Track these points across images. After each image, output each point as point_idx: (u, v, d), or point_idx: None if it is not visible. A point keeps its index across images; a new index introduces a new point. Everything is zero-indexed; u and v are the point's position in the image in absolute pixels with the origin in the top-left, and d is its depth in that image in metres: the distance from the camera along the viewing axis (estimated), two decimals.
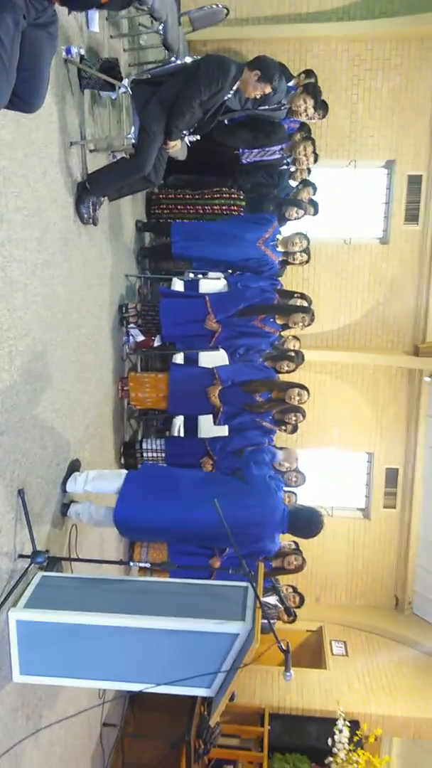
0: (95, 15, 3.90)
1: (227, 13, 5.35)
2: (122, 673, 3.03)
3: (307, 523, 3.72)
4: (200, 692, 3.04)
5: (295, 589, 5.28)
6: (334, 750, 6.55)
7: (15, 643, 2.95)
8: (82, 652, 2.98)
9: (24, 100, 2.15)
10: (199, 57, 3.90)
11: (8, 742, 3.00)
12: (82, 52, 3.78)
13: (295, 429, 5.07)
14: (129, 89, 3.73)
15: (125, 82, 3.78)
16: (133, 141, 3.78)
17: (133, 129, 3.76)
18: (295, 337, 6.18)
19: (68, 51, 3.59)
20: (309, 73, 5.90)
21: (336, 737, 6.59)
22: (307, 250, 5.44)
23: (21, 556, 3.06)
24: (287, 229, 5.73)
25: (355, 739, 6.59)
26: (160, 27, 4.49)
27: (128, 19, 4.82)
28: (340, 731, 6.61)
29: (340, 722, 6.67)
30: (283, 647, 2.80)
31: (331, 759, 6.55)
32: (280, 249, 5.38)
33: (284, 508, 3.68)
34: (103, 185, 3.89)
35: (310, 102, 5.16)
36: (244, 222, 5.44)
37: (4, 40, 1.85)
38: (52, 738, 3.71)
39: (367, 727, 6.96)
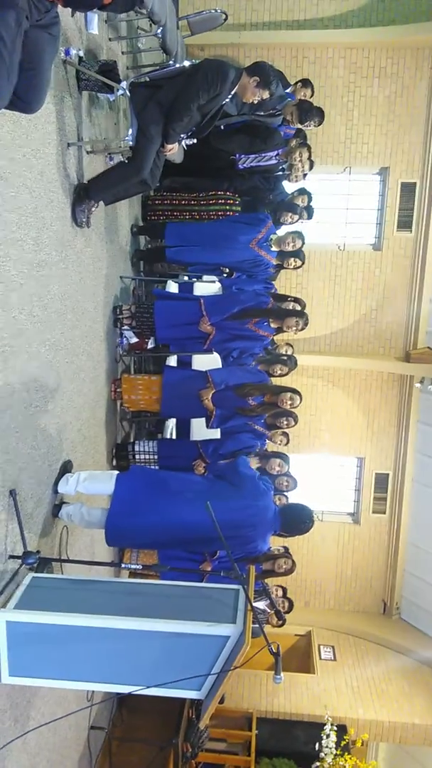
0: (95, 17, 3.91)
1: (225, 18, 5.38)
2: (112, 675, 3.02)
3: (299, 518, 3.74)
4: (190, 695, 3.03)
5: (284, 594, 5.28)
6: (321, 754, 6.55)
7: (4, 644, 2.93)
8: (72, 653, 2.96)
9: (24, 100, 2.15)
10: (197, 61, 3.92)
11: None
12: (81, 53, 3.79)
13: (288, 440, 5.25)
14: (127, 92, 3.74)
15: (123, 84, 3.79)
16: (131, 143, 3.79)
17: (130, 131, 3.77)
18: (289, 344, 6.20)
19: (67, 52, 3.60)
20: (305, 82, 5.93)
21: (323, 742, 6.59)
22: (301, 252, 5.46)
23: (12, 556, 3.04)
24: (281, 233, 5.75)
25: (342, 743, 6.59)
26: (159, 30, 4.50)
27: (127, 22, 4.83)
28: (328, 736, 6.61)
29: (327, 727, 6.67)
30: (274, 650, 2.80)
31: (318, 763, 6.55)
32: (274, 249, 5.39)
33: (275, 508, 3.69)
34: (100, 189, 3.89)
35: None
36: (238, 223, 5.44)
37: (6, 40, 1.86)
38: (39, 741, 3.69)
39: (354, 732, 6.97)
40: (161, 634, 2.88)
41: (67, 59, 3.61)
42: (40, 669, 2.99)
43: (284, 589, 5.24)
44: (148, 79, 3.89)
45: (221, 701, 3.22)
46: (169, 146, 3.87)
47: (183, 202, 5.64)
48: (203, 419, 4.90)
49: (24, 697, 3.35)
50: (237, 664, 2.78)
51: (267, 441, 5.53)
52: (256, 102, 4.04)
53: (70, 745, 4.38)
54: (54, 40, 2.14)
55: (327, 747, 6.56)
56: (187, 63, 3.90)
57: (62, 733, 4.16)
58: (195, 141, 4.43)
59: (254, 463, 4.77)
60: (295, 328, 4.99)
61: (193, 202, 5.63)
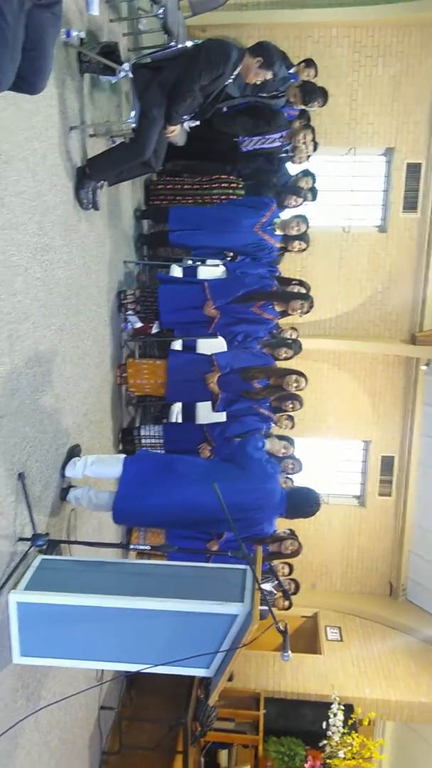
0: None
1: None
2: (121, 654, 3.07)
3: (306, 501, 3.75)
4: (199, 672, 3.08)
5: (291, 571, 5.32)
6: (329, 733, 6.64)
7: (15, 624, 2.98)
8: (82, 633, 3.01)
9: (28, 81, 2.14)
10: (199, 41, 3.88)
11: (8, 722, 3.03)
12: (82, 35, 3.76)
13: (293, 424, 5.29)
14: (130, 73, 3.71)
15: (125, 66, 3.76)
16: (133, 125, 3.77)
17: (133, 113, 3.75)
18: (294, 328, 6.19)
19: (68, 34, 3.57)
20: (309, 62, 5.84)
21: (330, 721, 6.67)
22: (305, 236, 5.42)
23: (21, 539, 3.08)
24: (285, 216, 5.71)
25: (350, 722, 6.67)
26: (160, 11, 4.45)
27: (128, 3, 4.78)
28: (335, 715, 6.69)
29: (334, 706, 6.75)
30: (281, 628, 2.83)
31: (325, 742, 6.64)
32: (278, 232, 5.36)
33: (282, 491, 3.71)
34: (102, 169, 3.87)
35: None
36: (241, 207, 5.40)
37: (9, 19, 1.84)
38: (51, 720, 3.75)
39: (361, 711, 7.05)
40: (170, 613, 2.92)
41: (69, 41, 3.59)
42: (51, 649, 3.05)
43: (290, 567, 5.27)
44: (150, 60, 3.85)
45: (230, 679, 3.26)
46: (171, 128, 3.85)
47: (186, 186, 5.61)
48: (209, 403, 4.91)
49: (35, 677, 3.40)
50: (245, 641, 2.82)
51: (272, 425, 5.54)
52: (258, 83, 4.00)
53: (81, 725, 4.45)
54: (56, 19, 2.11)
55: (334, 726, 6.64)
56: (189, 43, 3.86)
57: (73, 713, 4.23)
58: (198, 123, 4.39)
59: (275, 445, 4.73)
60: (299, 311, 4.97)
61: (196, 186, 5.59)
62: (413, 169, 7.58)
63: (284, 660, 2.84)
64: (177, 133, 4.01)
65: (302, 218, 5.38)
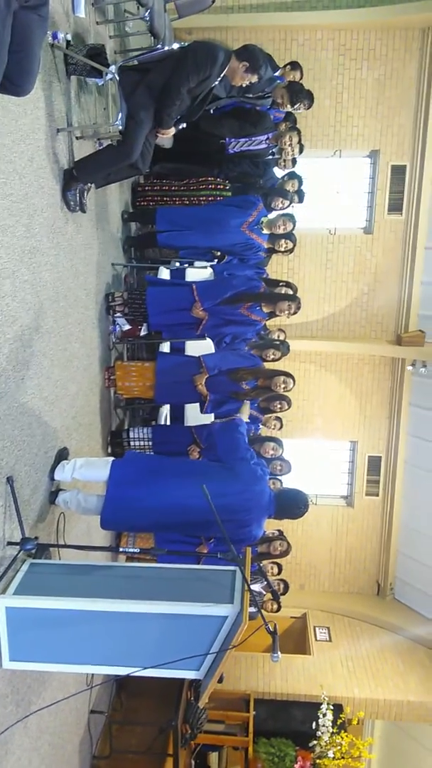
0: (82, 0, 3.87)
1: (213, 1, 5.32)
2: (112, 658, 3.05)
3: (294, 503, 3.77)
4: (189, 674, 3.08)
5: (280, 571, 5.34)
6: (318, 733, 6.66)
7: (4, 629, 2.95)
8: (72, 637, 2.99)
9: (15, 83, 2.13)
10: (186, 44, 3.89)
11: None
12: (69, 37, 3.76)
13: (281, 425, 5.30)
14: (116, 75, 3.71)
15: (112, 68, 3.75)
16: (120, 128, 3.77)
17: (120, 116, 3.74)
18: (281, 330, 6.21)
19: (54, 36, 3.56)
20: (294, 64, 5.88)
21: (320, 721, 6.69)
22: (292, 235, 5.44)
23: (10, 543, 3.06)
24: (272, 215, 5.72)
25: (339, 722, 6.69)
26: (146, 14, 4.45)
27: (114, 6, 4.77)
28: (324, 715, 6.71)
29: (323, 706, 6.77)
30: (271, 629, 2.84)
31: (315, 742, 6.66)
32: (265, 231, 5.37)
33: (271, 492, 3.72)
34: (89, 172, 3.87)
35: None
36: (229, 207, 5.41)
37: None
38: (41, 725, 3.73)
39: (350, 711, 7.09)
40: (159, 615, 2.91)
41: (55, 43, 3.58)
42: (41, 653, 3.03)
43: (279, 567, 5.29)
44: (137, 63, 3.86)
45: (220, 681, 3.26)
46: (165, 130, 3.85)
47: (173, 188, 5.61)
48: (197, 405, 4.92)
49: (25, 682, 3.38)
50: (235, 643, 2.82)
51: (261, 426, 5.55)
52: (245, 86, 4.02)
53: (71, 729, 4.43)
54: (43, 21, 2.11)
55: (324, 726, 6.66)
56: (175, 46, 3.87)
57: (63, 718, 4.21)
58: (184, 125, 4.40)
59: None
60: (287, 312, 4.99)
61: (182, 188, 5.60)
62: (398, 171, 7.65)
63: (274, 661, 2.85)
64: (170, 135, 4.02)
65: (289, 217, 5.39)
